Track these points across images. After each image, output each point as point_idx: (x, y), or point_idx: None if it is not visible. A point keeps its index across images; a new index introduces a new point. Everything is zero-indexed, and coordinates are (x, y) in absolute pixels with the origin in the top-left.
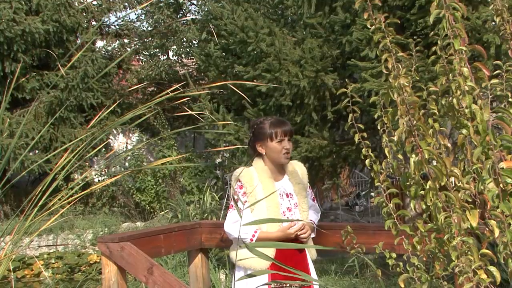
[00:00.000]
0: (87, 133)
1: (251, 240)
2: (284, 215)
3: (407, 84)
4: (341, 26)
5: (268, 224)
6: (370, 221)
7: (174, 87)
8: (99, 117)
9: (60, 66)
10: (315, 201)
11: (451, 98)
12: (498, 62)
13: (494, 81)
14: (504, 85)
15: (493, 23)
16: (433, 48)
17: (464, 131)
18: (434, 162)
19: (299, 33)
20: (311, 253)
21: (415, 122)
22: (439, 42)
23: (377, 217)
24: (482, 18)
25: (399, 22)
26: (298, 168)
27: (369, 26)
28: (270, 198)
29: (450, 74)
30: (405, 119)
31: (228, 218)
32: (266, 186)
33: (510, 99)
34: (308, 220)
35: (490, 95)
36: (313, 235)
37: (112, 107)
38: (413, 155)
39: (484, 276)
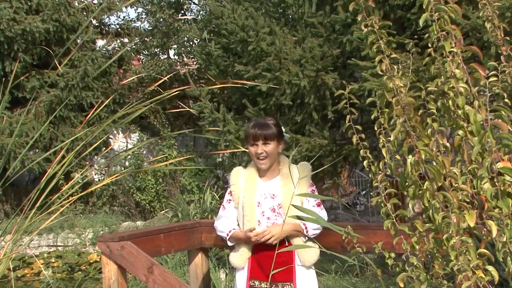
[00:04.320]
0: (83, 131)
1: (226, 237)
2: (263, 215)
3: (402, 85)
4: (341, 25)
5: (246, 222)
6: (370, 221)
7: (160, 82)
8: (92, 114)
9: (57, 64)
10: (321, 207)
11: (446, 99)
12: (494, 63)
13: (492, 79)
14: (500, 85)
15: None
16: (426, 51)
17: (460, 132)
18: (434, 163)
19: (299, 32)
20: (302, 257)
21: (411, 123)
22: (429, 44)
23: (378, 217)
24: (483, 17)
25: (391, 24)
26: (298, 170)
27: (363, 28)
28: (248, 197)
29: (442, 76)
30: (401, 120)
31: (218, 215)
32: (247, 186)
33: (506, 100)
34: (298, 221)
35: (489, 93)
36: (303, 239)
37: (105, 103)
38: (410, 156)
39: (482, 275)
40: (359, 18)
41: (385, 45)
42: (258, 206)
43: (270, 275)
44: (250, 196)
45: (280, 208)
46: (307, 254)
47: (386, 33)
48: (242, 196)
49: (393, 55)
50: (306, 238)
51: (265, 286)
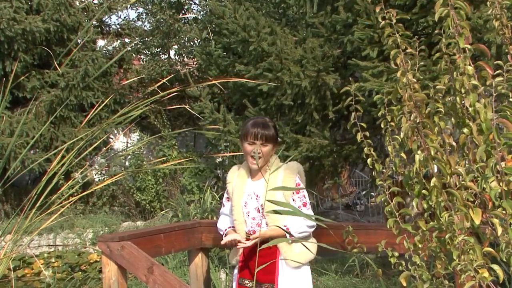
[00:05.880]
0: (84, 132)
1: (223, 236)
2: (249, 215)
3: (415, 80)
4: (342, 25)
5: (234, 221)
6: (370, 221)
7: (160, 83)
8: (92, 114)
9: (56, 65)
10: (307, 207)
11: (453, 97)
12: (499, 62)
13: (498, 79)
14: (505, 84)
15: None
16: (435, 48)
17: (465, 130)
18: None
19: (300, 33)
20: (290, 258)
21: (420, 119)
22: (443, 40)
23: (378, 217)
24: (484, 17)
25: (408, 18)
26: (286, 169)
27: (380, 20)
28: (236, 197)
29: (454, 73)
30: (412, 116)
31: (219, 213)
32: (236, 184)
33: (511, 99)
34: (277, 225)
35: (494, 93)
36: (288, 241)
37: (105, 102)
38: (419, 152)
39: (486, 274)
40: (377, 10)
41: (401, 39)
42: (245, 206)
43: (255, 273)
44: (238, 196)
45: (263, 208)
46: (290, 255)
47: (403, 27)
48: (234, 194)
49: (409, 50)
50: (290, 241)
51: (251, 285)
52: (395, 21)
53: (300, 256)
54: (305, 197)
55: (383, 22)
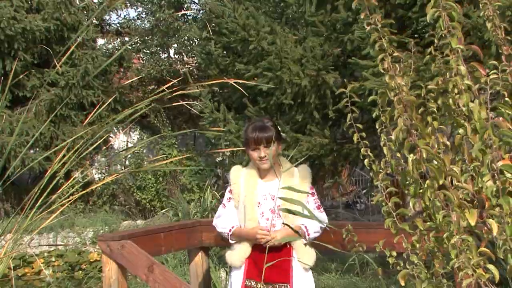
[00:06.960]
0: (85, 130)
1: (228, 234)
2: (263, 216)
3: (403, 84)
4: (342, 24)
5: (247, 221)
6: (370, 220)
7: (169, 84)
8: (94, 113)
9: (58, 62)
10: (320, 209)
11: (447, 98)
12: (494, 62)
13: (493, 76)
14: (500, 84)
15: None
16: (429, 49)
17: (461, 130)
18: (435, 162)
19: (300, 32)
20: (304, 259)
21: (412, 121)
22: (435, 41)
23: (378, 216)
24: (484, 16)
25: (393, 22)
26: (299, 173)
27: (365, 26)
28: (249, 197)
29: (447, 73)
30: (403, 118)
31: (216, 213)
32: (247, 185)
33: (506, 99)
34: (298, 223)
35: (489, 91)
36: (304, 241)
37: (107, 103)
38: (411, 154)
39: (483, 273)
40: (362, 16)
41: (387, 43)
42: (258, 206)
43: (263, 273)
44: (251, 196)
45: (279, 209)
46: (305, 256)
47: (389, 32)
48: (243, 195)
49: (396, 54)
50: (307, 241)
51: (261, 286)
52: (379, 26)
53: (311, 257)
54: (318, 200)
55: (368, 28)
